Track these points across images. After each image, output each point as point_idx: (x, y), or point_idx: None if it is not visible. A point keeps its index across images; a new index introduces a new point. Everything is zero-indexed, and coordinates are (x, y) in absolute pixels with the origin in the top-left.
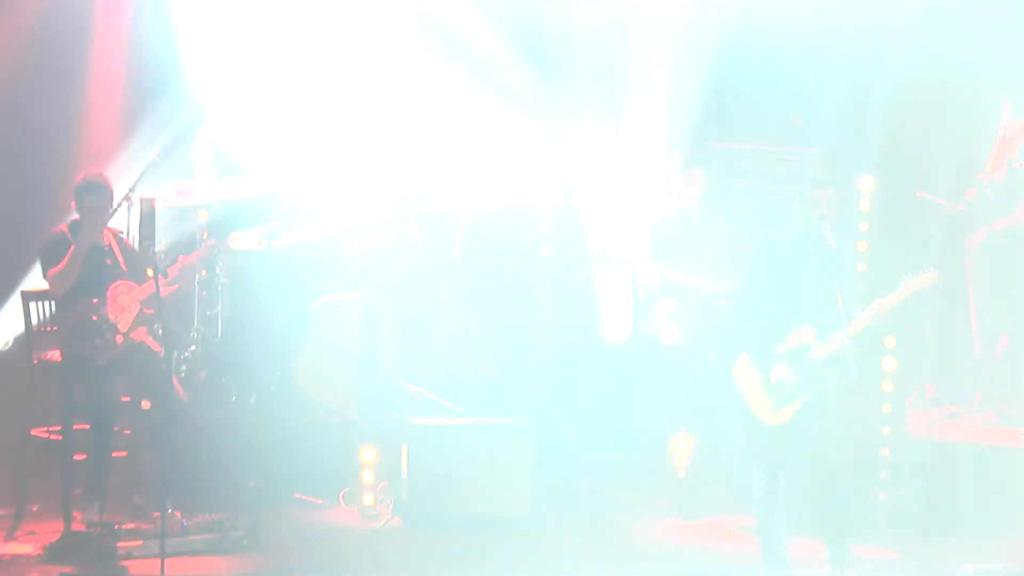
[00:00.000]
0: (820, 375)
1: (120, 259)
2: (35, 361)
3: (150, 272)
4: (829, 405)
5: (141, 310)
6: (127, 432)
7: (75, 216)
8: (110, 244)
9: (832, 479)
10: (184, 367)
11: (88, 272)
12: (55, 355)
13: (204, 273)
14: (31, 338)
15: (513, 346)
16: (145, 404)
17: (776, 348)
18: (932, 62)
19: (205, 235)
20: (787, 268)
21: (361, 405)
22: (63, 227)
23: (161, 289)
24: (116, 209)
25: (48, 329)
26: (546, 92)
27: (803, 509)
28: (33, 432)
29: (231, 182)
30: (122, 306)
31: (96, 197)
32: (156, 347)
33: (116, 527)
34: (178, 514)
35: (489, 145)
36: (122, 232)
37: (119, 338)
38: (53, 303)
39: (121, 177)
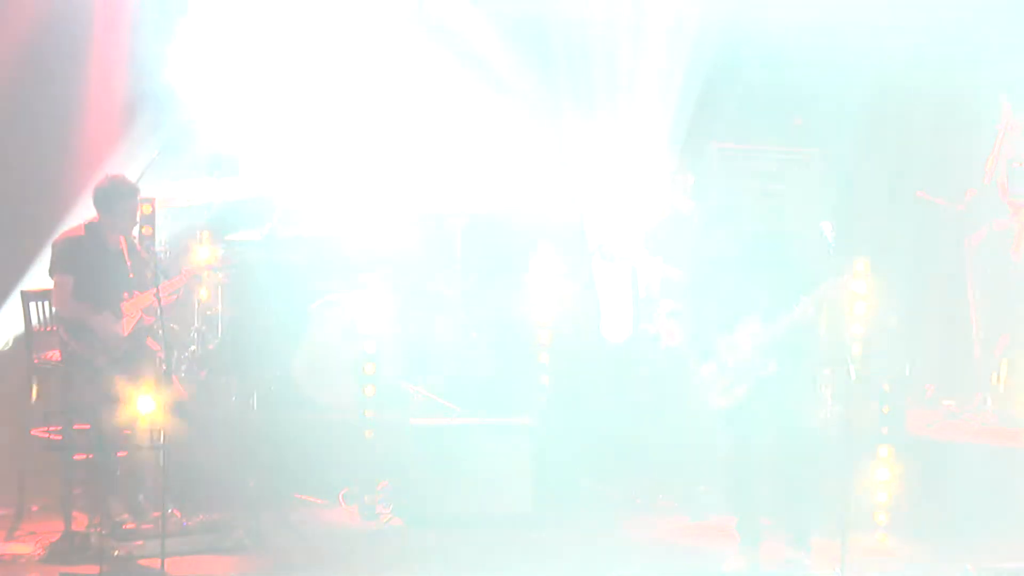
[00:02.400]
0: (758, 363)
1: (128, 265)
2: (35, 361)
3: (152, 280)
4: (779, 394)
5: (142, 317)
6: (127, 432)
7: (93, 218)
8: (122, 249)
9: (786, 466)
10: (184, 367)
11: (105, 278)
12: (55, 355)
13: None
14: (31, 338)
15: (513, 346)
16: (146, 403)
17: (722, 335)
18: (932, 62)
19: (205, 235)
20: (744, 258)
21: (361, 405)
22: (79, 230)
23: (163, 299)
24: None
25: (49, 329)
26: (546, 91)
27: (766, 495)
28: (33, 432)
29: (231, 182)
30: (124, 312)
31: (127, 202)
32: (156, 347)
33: (116, 527)
34: (178, 514)
35: (489, 144)
36: (135, 237)
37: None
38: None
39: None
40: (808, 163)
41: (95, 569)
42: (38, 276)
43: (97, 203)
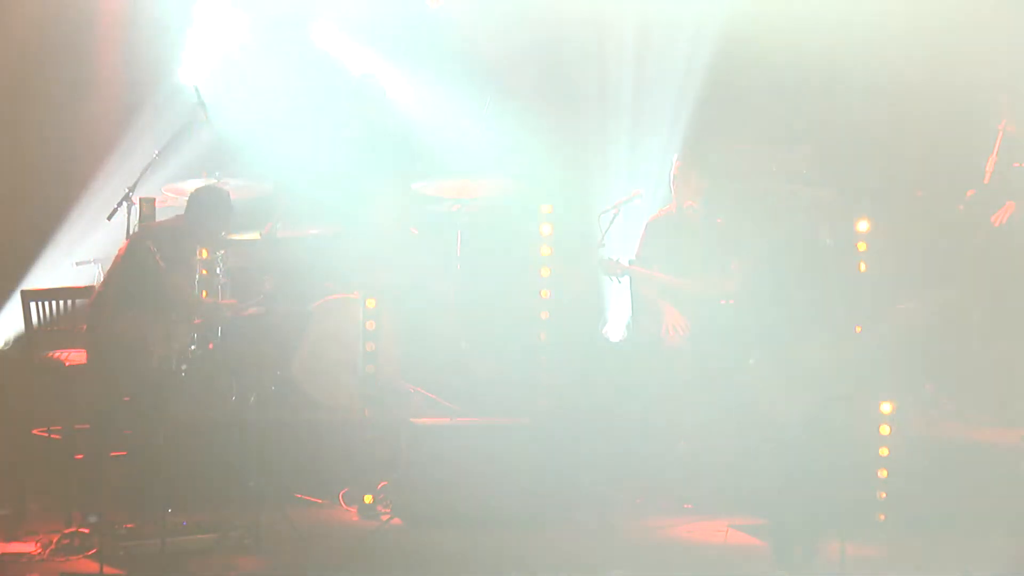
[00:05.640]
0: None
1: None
2: (35, 361)
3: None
4: (768, 403)
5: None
6: (127, 432)
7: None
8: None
9: (786, 466)
10: (184, 367)
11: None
12: (56, 354)
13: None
14: (31, 338)
15: (513, 346)
16: (146, 403)
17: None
18: (932, 62)
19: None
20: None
21: (361, 405)
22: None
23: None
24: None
25: (51, 329)
26: (547, 91)
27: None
28: (33, 432)
29: (231, 182)
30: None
31: (221, 210)
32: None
33: (116, 527)
34: None
35: (489, 144)
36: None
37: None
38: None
39: (120, 177)
40: (808, 163)
41: (95, 569)
42: (38, 276)
43: (194, 211)
